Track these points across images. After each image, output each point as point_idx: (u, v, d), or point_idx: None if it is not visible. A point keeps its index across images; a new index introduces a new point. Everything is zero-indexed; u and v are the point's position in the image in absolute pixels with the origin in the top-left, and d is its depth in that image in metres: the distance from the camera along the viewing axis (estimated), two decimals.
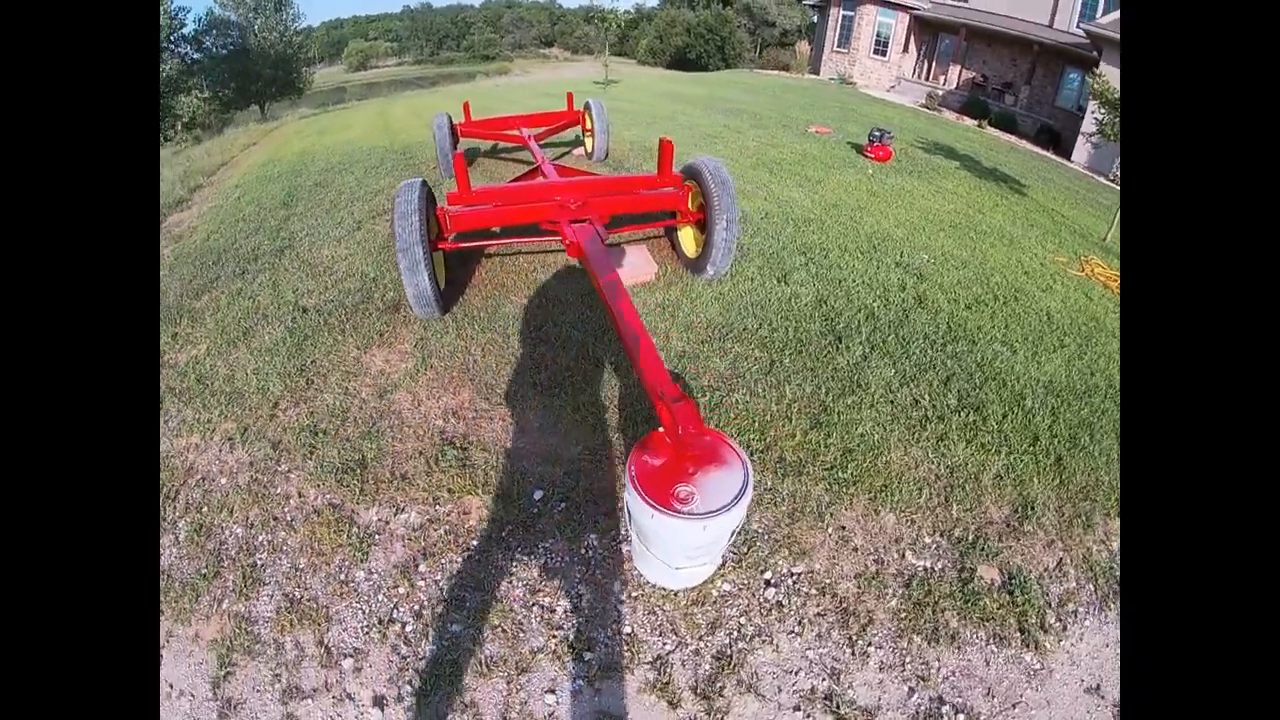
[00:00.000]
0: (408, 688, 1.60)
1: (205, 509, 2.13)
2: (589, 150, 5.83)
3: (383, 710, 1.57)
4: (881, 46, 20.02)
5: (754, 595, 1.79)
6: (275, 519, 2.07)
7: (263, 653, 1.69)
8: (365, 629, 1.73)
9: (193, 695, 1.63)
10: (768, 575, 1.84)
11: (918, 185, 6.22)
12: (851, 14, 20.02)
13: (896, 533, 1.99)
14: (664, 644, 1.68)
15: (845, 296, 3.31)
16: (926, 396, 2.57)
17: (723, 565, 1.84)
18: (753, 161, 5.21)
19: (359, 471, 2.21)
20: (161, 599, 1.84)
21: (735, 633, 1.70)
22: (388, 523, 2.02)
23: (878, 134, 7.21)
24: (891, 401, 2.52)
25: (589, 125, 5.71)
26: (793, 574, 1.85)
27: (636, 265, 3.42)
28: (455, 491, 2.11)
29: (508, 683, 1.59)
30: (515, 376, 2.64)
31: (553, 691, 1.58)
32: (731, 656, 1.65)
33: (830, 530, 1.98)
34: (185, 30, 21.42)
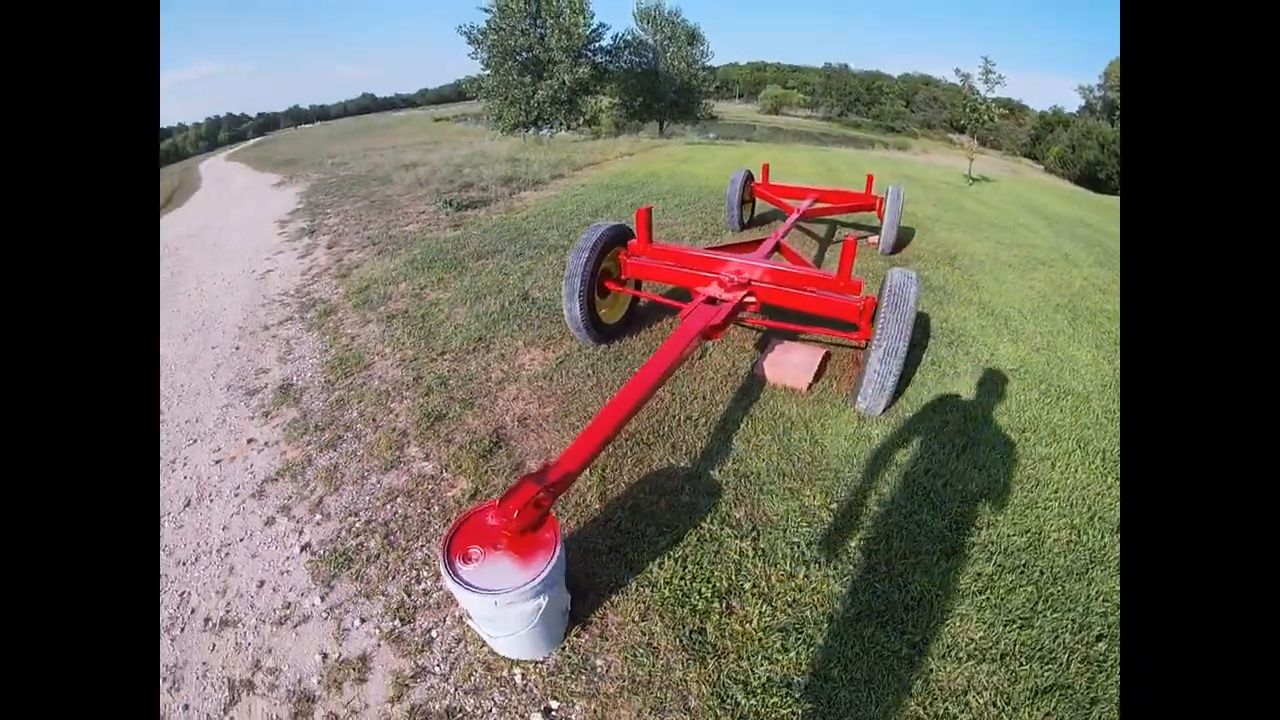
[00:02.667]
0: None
1: (365, 386, 2.93)
2: (879, 241, 5.42)
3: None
4: None
5: None
6: (380, 414, 2.77)
7: None
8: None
9: None
10: None
11: None
12: None
13: None
14: None
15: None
16: None
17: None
18: (1056, 304, 4.12)
19: (432, 422, 2.69)
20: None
21: None
22: (410, 468, 2.44)
23: None
24: None
25: (883, 213, 5.31)
26: None
27: (796, 365, 3.06)
28: (460, 470, 2.39)
29: None
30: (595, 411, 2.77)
31: None
32: None
33: None
34: (603, 43, 23.51)
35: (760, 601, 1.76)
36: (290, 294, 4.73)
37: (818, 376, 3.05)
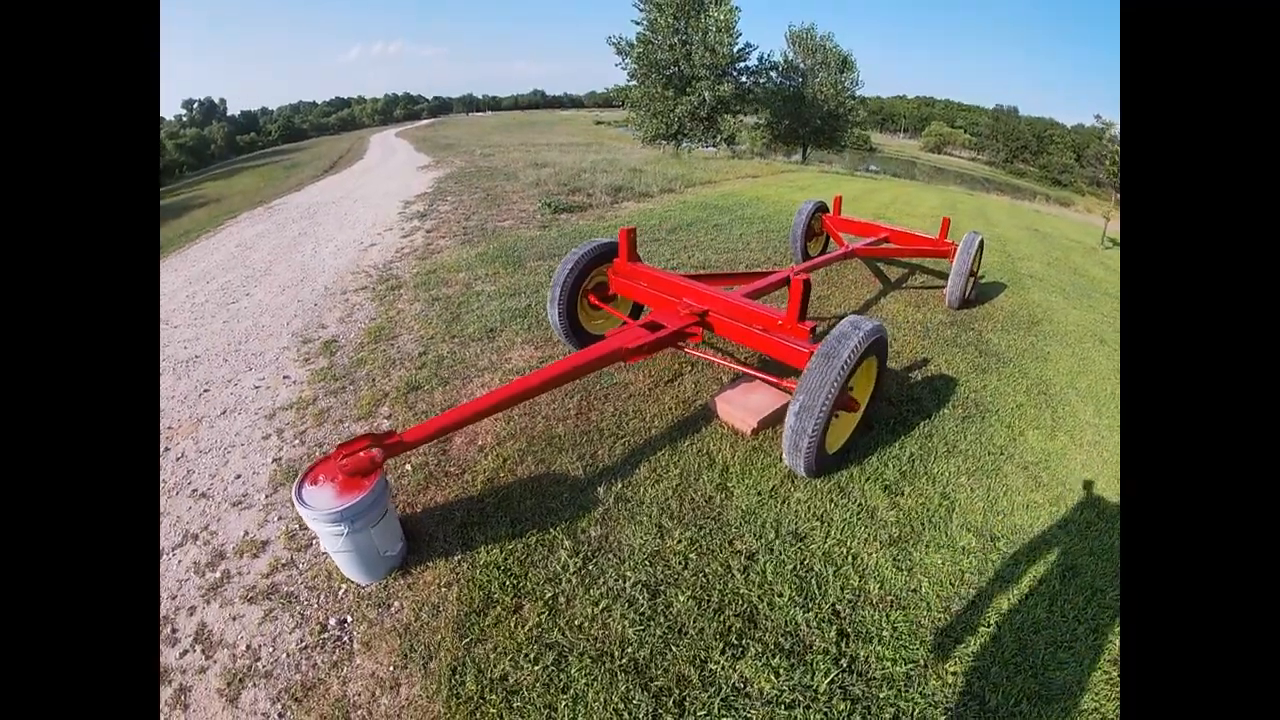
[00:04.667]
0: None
1: (383, 353, 3.60)
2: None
3: None
4: None
5: None
6: (380, 377, 3.36)
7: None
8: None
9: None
10: None
11: None
12: None
13: None
14: None
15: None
16: None
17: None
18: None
19: (408, 391, 3.24)
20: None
21: None
22: (374, 422, 2.99)
23: None
24: None
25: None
26: None
27: (748, 406, 3.03)
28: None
29: None
30: (554, 413, 3.04)
31: None
32: None
33: None
34: (748, 62, 23.38)
35: (546, 614, 1.88)
36: (377, 268, 5.67)
37: (771, 423, 3.00)
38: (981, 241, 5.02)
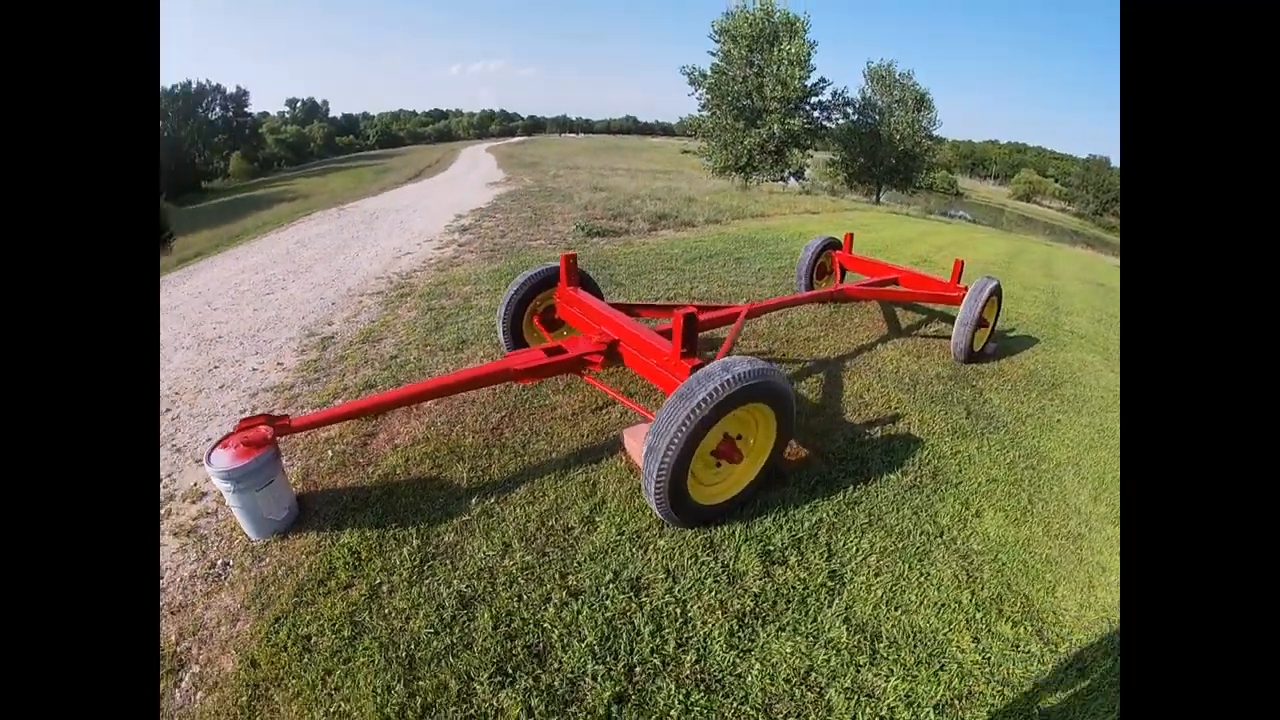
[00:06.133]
0: None
1: (362, 354, 4.20)
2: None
3: None
4: None
5: None
6: (349, 374, 3.94)
7: None
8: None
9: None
10: None
11: None
12: None
13: None
14: None
15: None
16: None
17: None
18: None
19: (363, 389, 3.80)
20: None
21: None
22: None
23: None
24: None
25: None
26: None
27: (630, 449, 3.01)
28: (346, 424, 3.43)
29: None
30: (473, 424, 3.41)
31: None
32: None
33: None
34: (822, 97, 23.61)
35: (367, 597, 2.17)
36: (399, 275, 6.39)
37: None
38: (996, 289, 4.64)
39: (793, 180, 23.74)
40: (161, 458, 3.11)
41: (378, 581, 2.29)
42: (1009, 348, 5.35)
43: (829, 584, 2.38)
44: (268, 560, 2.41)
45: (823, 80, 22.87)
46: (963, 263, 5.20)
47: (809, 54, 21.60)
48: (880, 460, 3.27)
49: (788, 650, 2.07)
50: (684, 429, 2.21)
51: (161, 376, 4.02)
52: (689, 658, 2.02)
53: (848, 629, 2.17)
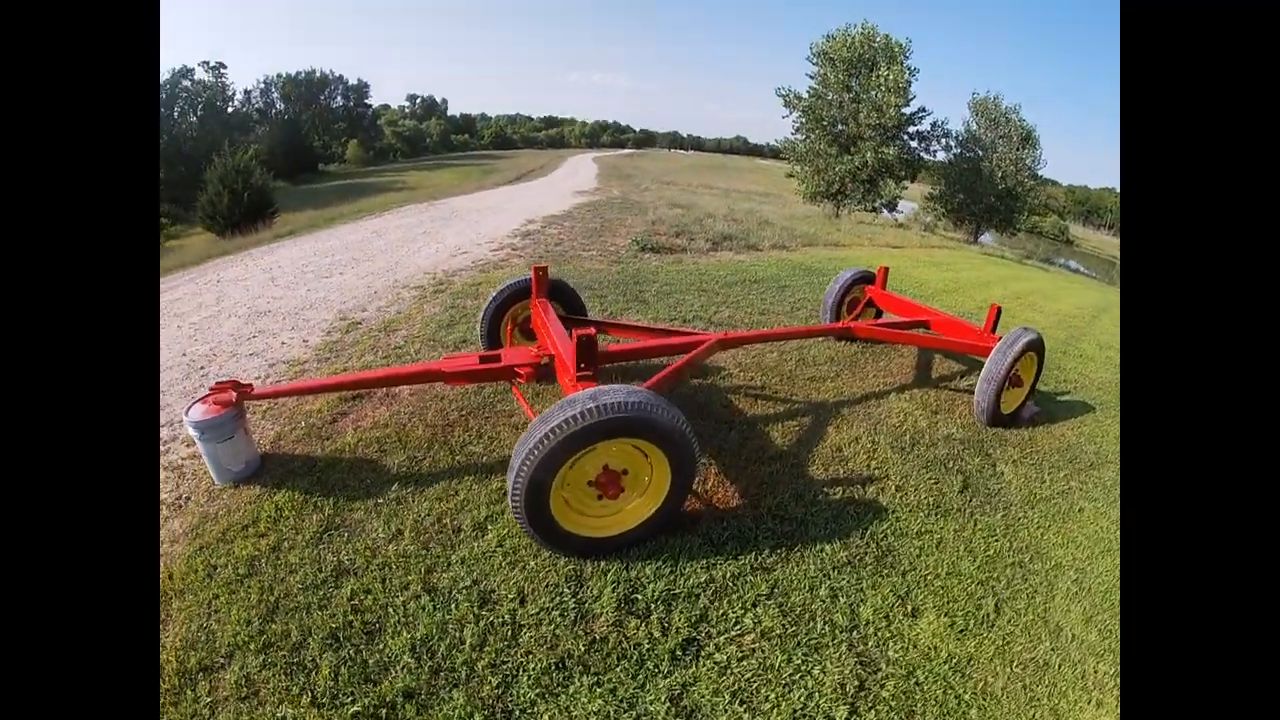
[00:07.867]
0: None
1: (375, 342, 4.80)
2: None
3: None
4: None
5: None
6: (355, 358, 4.52)
7: None
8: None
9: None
10: None
11: None
12: None
13: None
14: None
15: None
16: None
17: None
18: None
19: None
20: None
21: None
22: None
23: None
24: None
25: None
26: None
27: None
28: (328, 403, 3.96)
29: None
30: (433, 419, 3.84)
31: None
32: None
33: None
34: (920, 127, 22.95)
35: (267, 549, 2.52)
36: (444, 273, 7.02)
37: None
38: (1034, 342, 4.06)
39: (885, 212, 22.76)
40: (180, 404, 3.79)
41: (284, 537, 2.67)
42: (1053, 413, 4.71)
43: (678, 653, 2.13)
44: (218, 502, 2.90)
45: (922, 110, 21.93)
46: (999, 309, 4.56)
47: (909, 81, 20.77)
48: (822, 527, 2.93)
49: (592, 709, 1.90)
50: (536, 452, 2.20)
51: (208, 339, 4.82)
52: (493, 681, 1.99)
53: (671, 709, 1.92)
